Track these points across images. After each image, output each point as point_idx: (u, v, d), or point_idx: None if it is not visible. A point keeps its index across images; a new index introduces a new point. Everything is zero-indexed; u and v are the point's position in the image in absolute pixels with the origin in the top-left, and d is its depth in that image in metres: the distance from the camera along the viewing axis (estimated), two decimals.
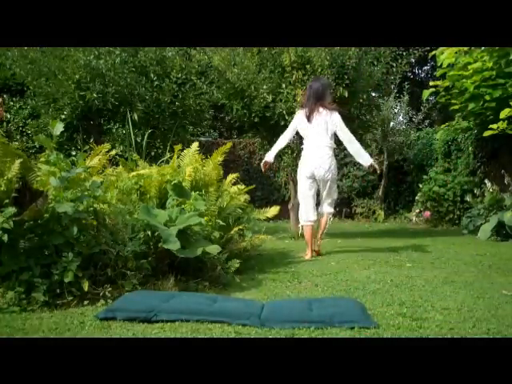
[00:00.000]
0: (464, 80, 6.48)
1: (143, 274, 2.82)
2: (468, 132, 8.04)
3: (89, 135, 6.85)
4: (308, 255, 4.60)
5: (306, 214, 4.70)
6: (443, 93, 7.20)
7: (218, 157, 3.90)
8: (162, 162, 4.27)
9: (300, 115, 4.81)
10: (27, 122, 8.36)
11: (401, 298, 2.74)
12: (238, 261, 3.28)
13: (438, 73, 7.14)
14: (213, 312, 2.28)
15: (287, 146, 6.33)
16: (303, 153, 4.78)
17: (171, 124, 6.95)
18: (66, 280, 2.49)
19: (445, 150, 8.95)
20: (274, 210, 4.41)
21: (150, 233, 3.02)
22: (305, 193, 4.70)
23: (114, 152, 3.71)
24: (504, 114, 5.57)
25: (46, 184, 2.78)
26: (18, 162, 2.59)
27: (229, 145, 4.01)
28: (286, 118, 6.03)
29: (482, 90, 6.37)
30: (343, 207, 10.35)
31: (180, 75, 7.00)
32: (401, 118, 11.34)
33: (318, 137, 4.65)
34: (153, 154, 6.67)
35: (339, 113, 4.76)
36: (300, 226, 4.88)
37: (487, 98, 6.29)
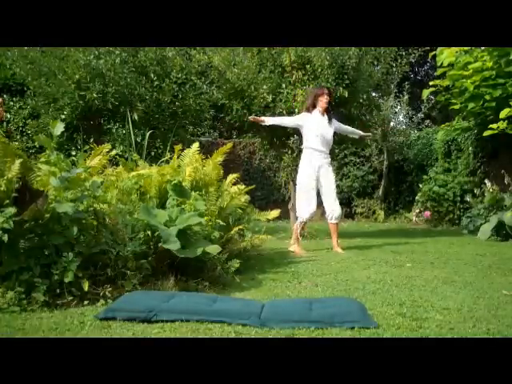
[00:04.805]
0: (464, 80, 6.48)
1: (143, 273, 2.82)
2: (468, 132, 8.04)
3: (89, 135, 6.84)
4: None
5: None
6: (443, 92, 7.20)
7: (218, 157, 3.90)
8: (162, 162, 4.26)
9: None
10: (27, 122, 8.35)
11: (401, 298, 2.74)
12: (238, 261, 3.27)
13: (438, 72, 7.14)
14: (213, 312, 2.28)
15: (287, 146, 6.36)
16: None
17: (171, 124, 6.94)
18: (66, 280, 2.49)
19: (445, 150, 8.96)
20: (275, 213, 4.44)
21: (149, 233, 3.02)
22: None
23: (114, 152, 3.71)
24: (504, 113, 5.57)
25: (46, 184, 2.78)
26: (18, 162, 2.59)
27: (229, 145, 4.01)
28: None
29: (482, 89, 6.37)
30: (343, 207, 10.34)
31: (180, 75, 6.99)
32: (401, 117, 11.35)
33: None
34: (153, 154, 6.67)
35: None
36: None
37: (487, 97, 6.29)
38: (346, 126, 5.49)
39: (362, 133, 5.58)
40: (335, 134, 5.32)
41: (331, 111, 5.16)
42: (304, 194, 5.04)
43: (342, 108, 6.10)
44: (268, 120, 5.28)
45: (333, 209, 5.03)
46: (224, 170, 4.00)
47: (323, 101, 5.00)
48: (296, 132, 6.01)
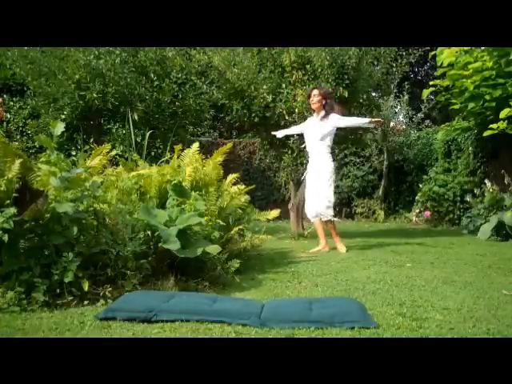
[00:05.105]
0: (464, 80, 6.49)
1: (143, 273, 2.82)
2: (468, 132, 8.04)
3: (89, 135, 6.84)
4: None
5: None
6: (443, 92, 7.20)
7: (218, 157, 3.90)
8: (162, 162, 4.26)
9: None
10: (27, 122, 8.35)
11: (401, 298, 2.74)
12: (238, 261, 3.28)
13: (438, 72, 7.14)
14: (213, 312, 2.28)
15: (287, 146, 6.36)
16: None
17: (171, 124, 6.94)
18: (66, 280, 2.49)
19: (445, 150, 8.96)
20: (275, 213, 4.45)
21: (149, 233, 3.02)
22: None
23: (114, 152, 3.71)
24: (504, 113, 5.57)
25: (46, 184, 2.78)
26: (18, 162, 2.59)
27: (229, 145, 4.02)
28: (286, 117, 6.04)
29: (481, 89, 6.37)
30: (343, 207, 10.35)
31: (180, 75, 7.00)
32: (401, 117, 11.35)
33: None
34: (153, 154, 6.67)
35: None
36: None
37: (487, 97, 6.29)
38: (348, 118, 5.17)
39: (366, 119, 5.23)
40: (340, 129, 5.35)
41: (325, 108, 5.04)
42: (306, 196, 5.24)
43: (342, 108, 6.09)
44: (278, 133, 5.56)
45: (320, 206, 5.02)
46: (224, 170, 4.00)
47: (310, 102, 5.11)
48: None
